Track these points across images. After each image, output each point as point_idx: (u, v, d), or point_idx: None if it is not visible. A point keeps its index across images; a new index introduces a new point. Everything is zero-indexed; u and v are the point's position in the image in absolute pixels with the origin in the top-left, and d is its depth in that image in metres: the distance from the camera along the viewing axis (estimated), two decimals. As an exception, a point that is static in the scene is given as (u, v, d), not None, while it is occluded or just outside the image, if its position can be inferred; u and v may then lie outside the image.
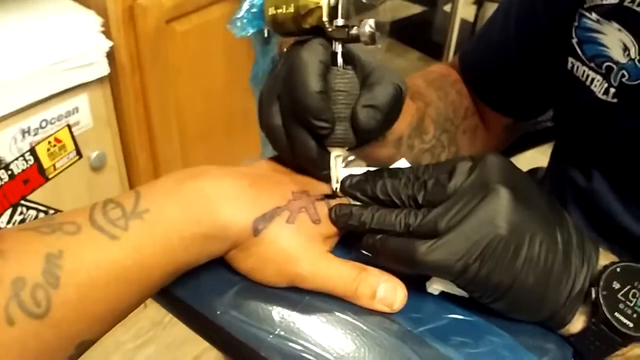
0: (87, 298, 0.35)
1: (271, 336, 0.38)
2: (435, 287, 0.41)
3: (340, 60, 0.43)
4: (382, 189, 0.41)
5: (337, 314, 0.39)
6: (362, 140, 0.44)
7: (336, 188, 0.44)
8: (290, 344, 0.38)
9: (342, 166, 0.44)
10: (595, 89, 0.54)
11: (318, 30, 0.42)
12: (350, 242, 0.43)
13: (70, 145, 1.09)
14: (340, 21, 0.42)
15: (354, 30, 0.42)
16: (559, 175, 0.66)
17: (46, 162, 1.06)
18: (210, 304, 0.40)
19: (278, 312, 0.39)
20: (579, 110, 0.59)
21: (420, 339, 0.38)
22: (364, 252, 0.41)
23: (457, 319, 0.39)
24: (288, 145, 0.44)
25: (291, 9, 0.42)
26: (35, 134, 1.03)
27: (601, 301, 0.38)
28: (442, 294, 0.41)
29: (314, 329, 0.38)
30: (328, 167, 0.44)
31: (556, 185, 0.66)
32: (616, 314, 0.37)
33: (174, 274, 0.39)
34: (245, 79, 0.73)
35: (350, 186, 0.43)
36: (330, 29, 0.42)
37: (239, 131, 1.37)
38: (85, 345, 0.37)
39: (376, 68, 0.45)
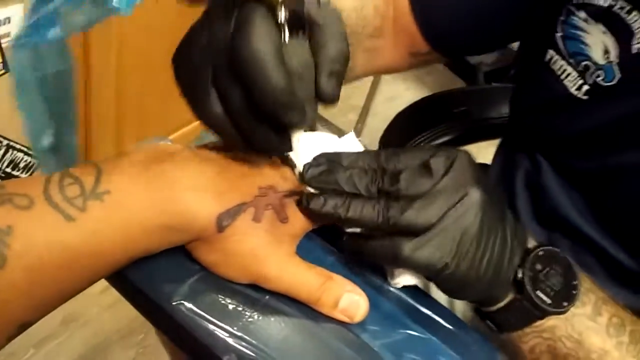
0: (35, 281, 0.33)
1: (227, 335, 0.37)
2: (398, 281, 0.42)
3: (287, 31, 0.36)
4: (348, 182, 0.40)
5: (296, 318, 0.39)
6: None
7: (300, 173, 0.42)
8: (247, 345, 0.37)
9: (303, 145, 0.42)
10: (568, 84, 0.57)
11: None
12: (312, 237, 0.42)
13: (-5, 58, 1.00)
14: None
15: None
16: (509, 165, 0.69)
17: (-34, 73, 0.97)
18: (165, 293, 0.38)
19: (236, 310, 0.38)
20: (545, 101, 0.61)
21: (376, 354, 0.38)
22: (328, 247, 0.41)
23: (412, 335, 0.40)
24: (237, 134, 0.38)
25: None
26: (-42, 41, 0.92)
27: (526, 281, 0.41)
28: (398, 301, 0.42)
29: (273, 332, 0.38)
30: (290, 149, 0.41)
31: (505, 175, 0.69)
32: (537, 292, 0.41)
33: (130, 260, 0.37)
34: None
35: (312, 178, 0.41)
36: None
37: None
38: (27, 326, 0.34)
39: (317, 16, 0.38)
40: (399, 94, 2.06)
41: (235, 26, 0.35)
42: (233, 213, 0.38)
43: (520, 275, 0.42)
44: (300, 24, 0.38)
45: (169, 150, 0.39)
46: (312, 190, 0.41)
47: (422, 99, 0.83)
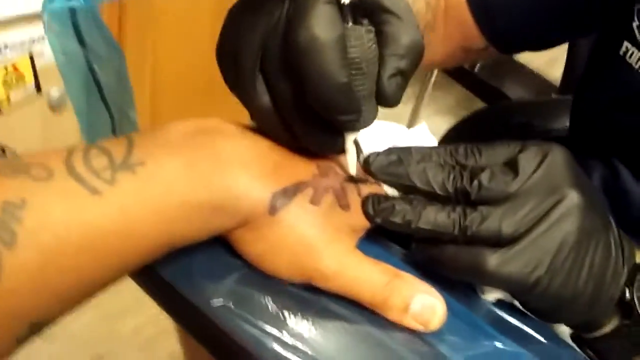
0: (50, 266, 0.27)
1: (277, 343, 0.30)
2: (493, 295, 0.36)
3: (350, 15, 0.31)
4: (421, 177, 0.34)
5: (359, 325, 0.32)
6: None
7: (354, 175, 0.36)
8: (302, 355, 0.30)
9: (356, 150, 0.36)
10: None
11: None
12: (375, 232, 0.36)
13: (29, 77, 0.98)
14: None
15: None
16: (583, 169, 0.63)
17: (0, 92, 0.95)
18: (202, 291, 0.32)
19: (287, 313, 0.32)
20: (621, 98, 0.55)
21: (458, 369, 0.31)
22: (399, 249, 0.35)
23: (499, 348, 0.33)
24: (283, 130, 0.34)
25: None
26: (-8, 58, 0.91)
27: (636, 303, 0.35)
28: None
29: (331, 341, 0.31)
30: (342, 151, 0.35)
31: None
32: None
33: (166, 248, 0.31)
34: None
35: (379, 170, 0.35)
36: None
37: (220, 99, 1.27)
38: (39, 327, 0.28)
39: (387, 2, 0.32)
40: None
41: (292, 6, 0.30)
42: (290, 193, 0.32)
43: (628, 295, 0.35)
44: (367, 9, 0.32)
45: (214, 124, 0.33)
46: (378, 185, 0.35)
47: (477, 112, 0.77)
